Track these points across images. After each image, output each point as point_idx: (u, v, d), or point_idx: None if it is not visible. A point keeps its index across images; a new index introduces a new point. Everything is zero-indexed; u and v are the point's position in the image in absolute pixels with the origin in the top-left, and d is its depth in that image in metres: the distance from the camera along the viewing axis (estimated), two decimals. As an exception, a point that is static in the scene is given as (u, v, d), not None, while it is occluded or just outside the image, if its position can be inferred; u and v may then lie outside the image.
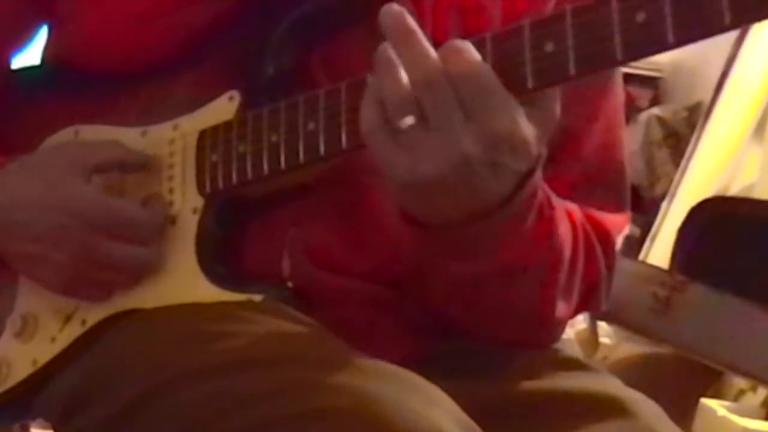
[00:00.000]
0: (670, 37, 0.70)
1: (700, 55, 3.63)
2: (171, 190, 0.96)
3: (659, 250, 3.00)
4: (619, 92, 1.04)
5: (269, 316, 0.87)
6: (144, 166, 0.98)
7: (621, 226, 1.01)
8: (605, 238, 0.98)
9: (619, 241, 1.01)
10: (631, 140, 3.32)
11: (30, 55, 1.13)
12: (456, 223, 0.82)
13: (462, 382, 0.86)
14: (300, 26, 0.93)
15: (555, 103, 0.79)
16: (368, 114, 0.80)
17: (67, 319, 0.99)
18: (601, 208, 0.99)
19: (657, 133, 3.84)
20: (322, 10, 0.93)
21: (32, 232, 0.95)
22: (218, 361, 0.83)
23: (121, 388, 0.87)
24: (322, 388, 0.77)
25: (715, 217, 2.44)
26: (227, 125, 0.93)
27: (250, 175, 0.91)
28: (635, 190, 3.50)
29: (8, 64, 1.13)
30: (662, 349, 2.36)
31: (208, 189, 0.94)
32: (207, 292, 0.92)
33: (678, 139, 3.79)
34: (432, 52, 0.77)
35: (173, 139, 0.97)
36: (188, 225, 0.95)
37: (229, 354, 0.83)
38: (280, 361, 0.81)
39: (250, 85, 0.94)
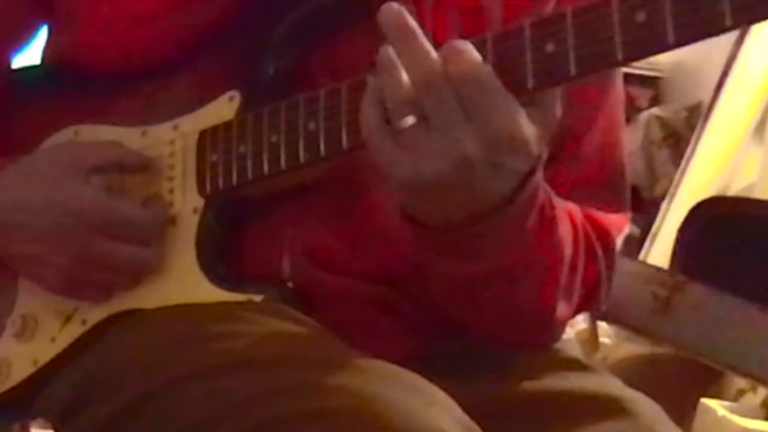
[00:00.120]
0: (671, 38, 0.70)
1: (701, 55, 3.63)
2: (171, 191, 0.96)
3: (659, 250, 2.99)
4: (619, 92, 1.03)
5: (269, 316, 0.87)
6: (144, 166, 0.98)
7: (621, 226, 1.01)
8: (605, 238, 0.98)
9: (619, 241, 1.01)
10: (631, 140, 3.33)
11: (30, 55, 1.13)
12: (456, 223, 0.82)
13: (462, 382, 0.86)
14: (300, 26, 0.93)
15: (555, 103, 0.79)
16: (369, 114, 0.80)
17: (67, 319, 0.99)
18: (601, 208, 0.99)
19: (657, 133, 3.84)
20: (322, 10, 0.93)
21: (32, 233, 0.95)
22: (218, 361, 0.83)
23: (121, 388, 0.87)
24: (323, 388, 0.76)
25: (715, 217, 2.43)
26: (227, 125, 0.93)
27: (250, 175, 0.91)
28: (635, 190, 3.50)
29: (8, 64, 1.12)
30: (662, 349, 2.35)
31: (208, 189, 0.94)
32: (207, 292, 0.92)
33: (678, 139, 3.78)
34: (432, 52, 0.77)
35: (173, 139, 0.97)
36: (188, 225, 0.95)
37: (229, 354, 0.83)
38: (280, 361, 0.81)
39: (251, 85, 0.94)
